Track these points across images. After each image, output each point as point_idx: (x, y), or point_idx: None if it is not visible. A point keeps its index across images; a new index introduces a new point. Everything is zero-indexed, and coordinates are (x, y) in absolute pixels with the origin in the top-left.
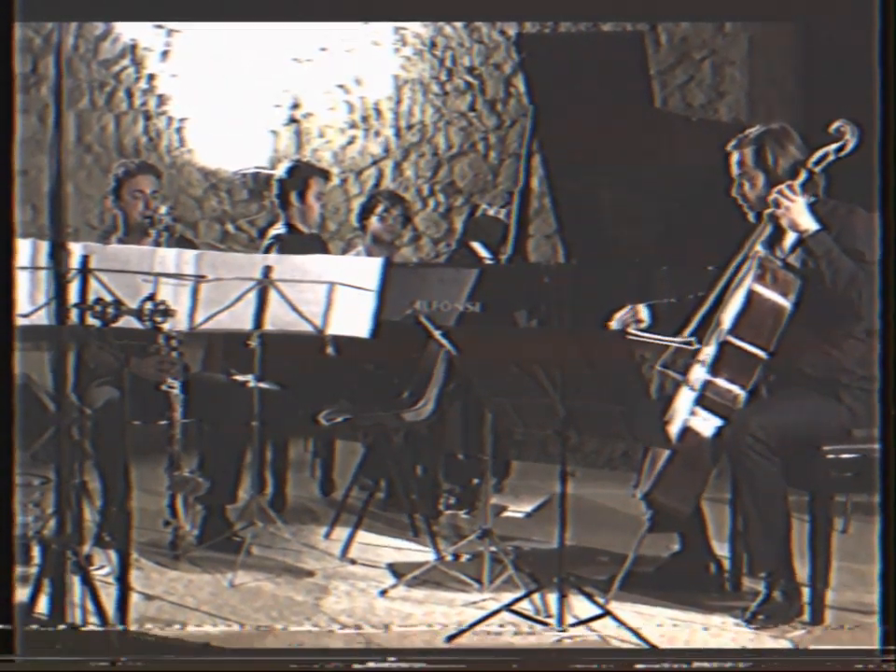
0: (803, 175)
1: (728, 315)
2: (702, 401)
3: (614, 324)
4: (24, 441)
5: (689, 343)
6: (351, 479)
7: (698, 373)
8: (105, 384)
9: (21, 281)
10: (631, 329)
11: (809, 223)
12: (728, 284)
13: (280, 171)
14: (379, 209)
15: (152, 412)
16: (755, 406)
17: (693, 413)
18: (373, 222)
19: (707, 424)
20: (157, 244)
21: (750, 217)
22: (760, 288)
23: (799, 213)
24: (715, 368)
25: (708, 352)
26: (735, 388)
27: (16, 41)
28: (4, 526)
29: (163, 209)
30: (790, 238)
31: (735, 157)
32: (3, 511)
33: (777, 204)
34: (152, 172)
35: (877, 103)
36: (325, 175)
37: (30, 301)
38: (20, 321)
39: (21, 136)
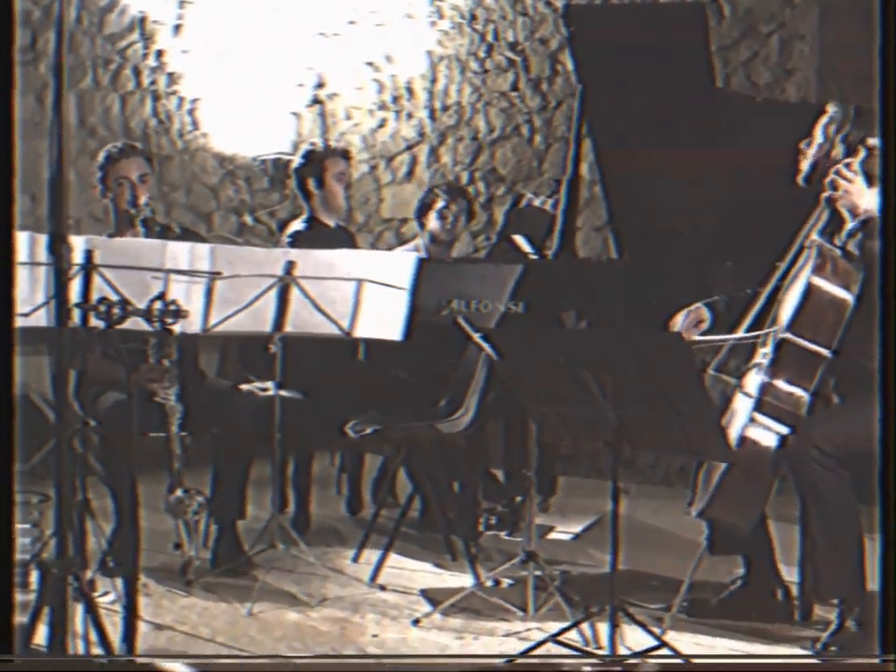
0: (861, 154)
1: (786, 311)
2: (761, 407)
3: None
4: (21, 455)
5: (766, 336)
6: (370, 495)
7: (755, 376)
8: (109, 390)
9: (18, 278)
10: (693, 333)
11: (871, 204)
12: (784, 277)
13: (295, 160)
14: (438, 205)
15: (151, 423)
16: (819, 414)
17: (752, 421)
18: (432, 220)
19: (767, 433)
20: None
21: (799, 178)
22: (819, 281)
23: (859, 194)
24: (773, 369)
25: (766, 352)
26: (798, 391)
27: (16, 14)
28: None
29: (143, 199)
30: (848, 224)
31: (826, 117)
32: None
33: (834, 186)
34: (139, 154)
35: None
36: (342, 154)
37: (28, 300)
38: (19, 321)
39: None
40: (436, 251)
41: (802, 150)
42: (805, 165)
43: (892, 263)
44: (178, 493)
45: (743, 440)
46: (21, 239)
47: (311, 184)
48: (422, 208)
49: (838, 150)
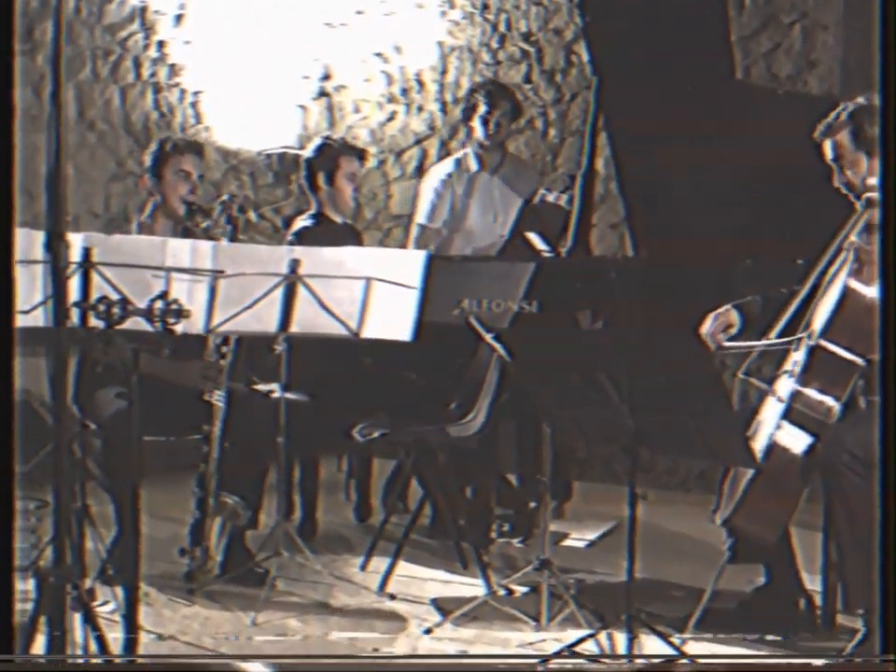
0: None
1: (820, 316)
2: (790, 415)
3: (705, 338)
4: (19, 459)
5: (799, 340)
6: (380, 500)
7: (786, 383)
8: (120, 395)
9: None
10: (721, 338)
11: None
12: (819, 280)
13: (308, 150)
14: (480, 110)
15: (179, 425)
16: (853, 419)
17: (779, 428)
18: (476, 125)
19: (797, 439)
20: (215, 236)
21: (859, 206)
22: (856, 285)
23: None
24: (805, 377)
25: (797, 358)
26: (829, 400)
27: (16, 3)
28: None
29: (225, 195)
30: None
31: (828, 144)
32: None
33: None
34: (199, 152)
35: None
36: (358, 154)
37: (25, 299)
38: (19, 319)
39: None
40: (487, 158)
41: (832, 163)
42: (841, 177)
43: (892, 263)
44: (232, 500)
45: (772, 446)
46: (18, 236)
47: (320, 178)
48: (465, 112)
49: (845, 139)
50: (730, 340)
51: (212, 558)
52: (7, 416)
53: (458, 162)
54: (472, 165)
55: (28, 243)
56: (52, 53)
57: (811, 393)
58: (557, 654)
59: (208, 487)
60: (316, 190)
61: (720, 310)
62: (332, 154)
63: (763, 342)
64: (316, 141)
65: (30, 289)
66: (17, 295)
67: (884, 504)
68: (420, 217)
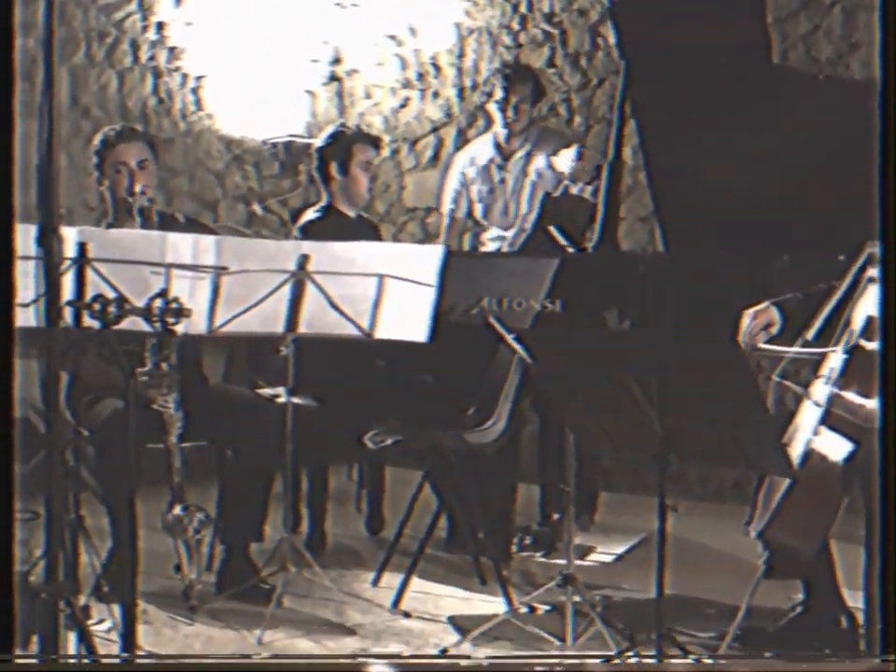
0: None
1: (859, 315)
2: (828, 420)
3: (743, 339)
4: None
5: (837, 343)
6: (405, 512)
7: (824, 386)
8: (105, 397)
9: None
10: (760, 338)
11: None
12: (859, 276)
13: (321, 138)
14: (496, 96)
15: (149, 433)
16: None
17: (817, 434)
18: (494, 112)
19: (836, 446)
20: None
21: None
22: None
23: None
24: (844, 379)
25: (836, 360)
26: (869, 403)
27: None
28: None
29: (138, 186)
30: None
31: None
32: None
33: None
34: (139, 138)
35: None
36: (373, 141)
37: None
38: (18, 313)
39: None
40: (507, 145)
41: None
42: None
43: (892, 263)
44: (177, 510)
45: (810, 453)
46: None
47: (333, 168)
48: (482, 97)
49: None
50: (770, 340)
51: (186, 576)
52: (6, 420)
53: (477, 150)
54: (490, 153)
55: (20, 238)
56: (44, 35)
57: (851, 396)
58: (619, 654)
59: (177, 500)
60: (329, 181)
61: (758, 307)
62: (346, 142)
63: (797, 349)
64: (329, 129)
65: (21, 287)
66: (17, 293)
67: (883, 504)
68: (445, 208)
